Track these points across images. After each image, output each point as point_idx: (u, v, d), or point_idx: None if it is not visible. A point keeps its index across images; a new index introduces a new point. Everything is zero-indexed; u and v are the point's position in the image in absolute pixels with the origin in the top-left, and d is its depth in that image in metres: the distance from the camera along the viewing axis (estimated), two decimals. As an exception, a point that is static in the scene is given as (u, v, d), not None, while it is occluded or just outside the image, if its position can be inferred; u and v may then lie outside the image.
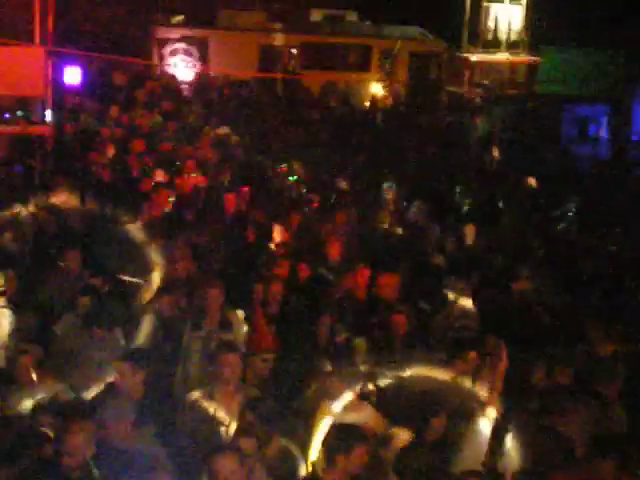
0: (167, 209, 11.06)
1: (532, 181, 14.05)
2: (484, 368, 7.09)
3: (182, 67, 23.73)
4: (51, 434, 5.80)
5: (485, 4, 27.72)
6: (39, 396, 6.52)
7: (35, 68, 13.62)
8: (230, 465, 5.33)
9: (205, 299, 7.85)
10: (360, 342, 7.69)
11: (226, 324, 7.88)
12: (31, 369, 6.77)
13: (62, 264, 8.93)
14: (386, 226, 11.24)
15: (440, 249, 10.45)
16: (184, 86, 22.02)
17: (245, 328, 7.99)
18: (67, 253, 8.87)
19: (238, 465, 5.37)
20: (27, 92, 13.86)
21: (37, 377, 6.78)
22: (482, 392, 6.86)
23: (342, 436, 5.64)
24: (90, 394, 6.87)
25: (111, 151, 13.97)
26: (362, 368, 7.36)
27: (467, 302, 8.60)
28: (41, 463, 5.61)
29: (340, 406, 6.53)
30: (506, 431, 6.29)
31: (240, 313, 8.10)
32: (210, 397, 6.59)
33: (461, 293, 8.62)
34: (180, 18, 25.64)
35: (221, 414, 6.52)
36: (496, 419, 6.63)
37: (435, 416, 6.34)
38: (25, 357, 6.82)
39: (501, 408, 6.74)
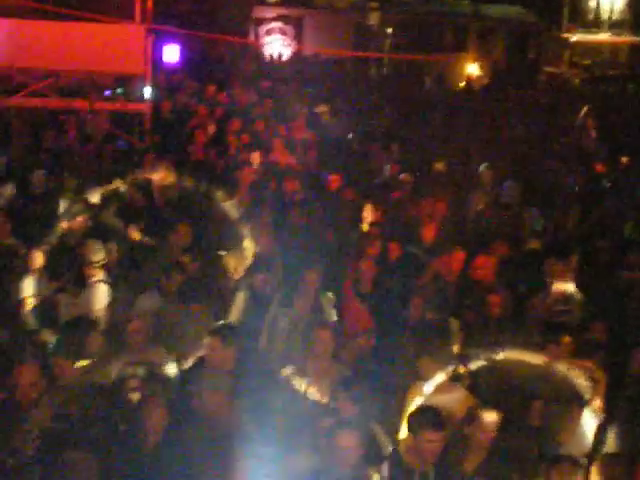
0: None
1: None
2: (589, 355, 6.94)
3: (278, 46, 23.82)
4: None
5: (587, -17, 27.08)
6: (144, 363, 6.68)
7: (135, 46, 13.79)
8: (352, 441, 5.43)
9: (303, 282, 7.90)
10: (452, 323, 7.65)
11: (318, 307, 7.91)
12: (142, 334, 6.94)
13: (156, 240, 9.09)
14: (481, 207, 11.09)
15: (537, 232, 10.27)
16: (280, 64, 22.08)
17: (334, 311, 8.01)
18: (179, 227, 8.94)
19: (358, 442, 5.45)
20: (126, 70, 14.04)
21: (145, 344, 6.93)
22: (581, 378, 6.70)
23: (417, 418, 5.65)
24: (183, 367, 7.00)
25: (212, 129, 14.14)
26: (454, 349, 7.31)
27: (568, 286, 8.40)
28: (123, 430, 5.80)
29: (431, 387, 6.47)
30: (611, 421, 6.16)
31: (330, 296, 8.12)
32: (303, 373, 6.63)
33: (561, 276, 8.43)
34: (276, -3, 25.76)
35: (314, 390, 6.56)
36: (601, 408, 6.49)
37: (528, 400, 6.25)
38: (136, 322, 6.99)
39: (605, 397, 6.62)
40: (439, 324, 7.63)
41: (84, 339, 6.62)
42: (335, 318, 7.88)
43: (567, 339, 6.93)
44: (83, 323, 6.98)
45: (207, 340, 6.65)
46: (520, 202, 11.10)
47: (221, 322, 7.49)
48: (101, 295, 7.97)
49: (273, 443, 5.92)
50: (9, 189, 10.31)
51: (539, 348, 6.89)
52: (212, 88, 16.55)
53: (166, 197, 10.63)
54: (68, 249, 8.57)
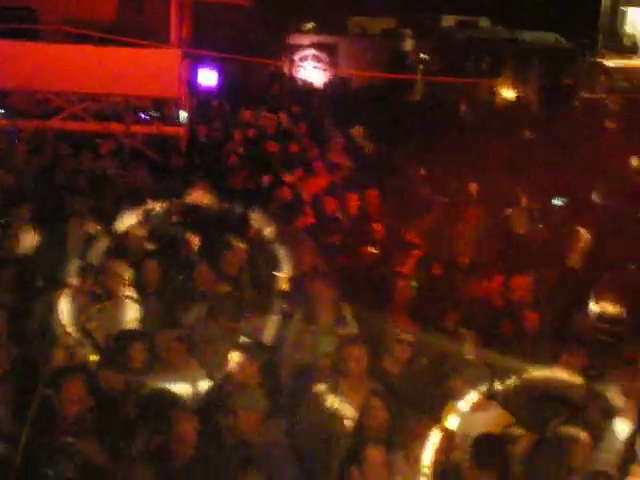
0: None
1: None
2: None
3: (312, 72, 23.97)
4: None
5: (622, 8, 26.92)
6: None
7: (170, 69, 13.96)
8: (380, 457, 5.40)
9: (318, 294, 7.89)
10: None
11: (341, 319, 7.88)
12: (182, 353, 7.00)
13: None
14: (521, 228, 11.01)
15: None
16: (314, 89, 22.23)
17: (356, 325, 7.96)
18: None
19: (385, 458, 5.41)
20: (162, 93, 14.21)
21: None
22: (616, 397, 6.59)
23: None
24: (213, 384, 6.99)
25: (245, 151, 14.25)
26: (489, 367, 7.22)
27: (611, 306, 8.31)
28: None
29: (466, 405, 6.39)
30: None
31: (350, 309, 8.09)
32: (334, 390, 6.57)
33: (603, 297, 8.35)
34: (311, 25, 25.94)
35: (345, 407, 6.50)
36: (631, 426, 6.38)
37: (560, 418, 6.18)
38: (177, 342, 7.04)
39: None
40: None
41: (129, 351, 6.65)
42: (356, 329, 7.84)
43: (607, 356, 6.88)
44: (127, 336, 7.02)
45: (232, 355, 6.68)
46: (563, 221, 11.05)
47: (249, 339, 7.50)
48: (131, 311, 8.00)
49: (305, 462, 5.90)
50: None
51: (576, 365, 6.82)
52: (247, 112, 16.67)
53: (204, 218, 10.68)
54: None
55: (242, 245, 9.25)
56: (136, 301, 8.14)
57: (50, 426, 5.80)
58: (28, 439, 5.67)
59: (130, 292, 8.18)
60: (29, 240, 9.36)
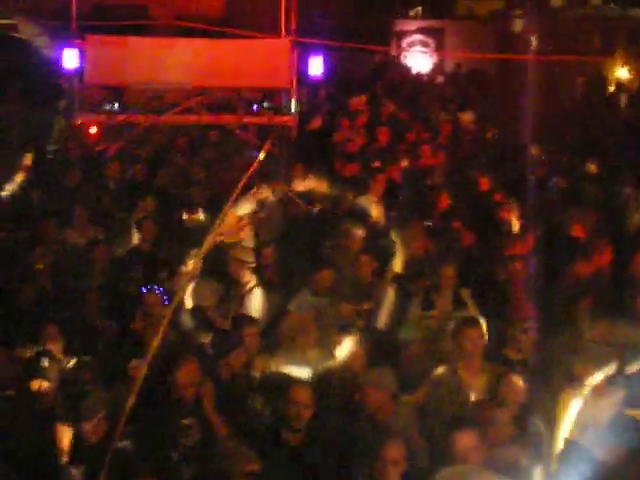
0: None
1: None
2: None
3: (419, 57, 23.81)
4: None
5: None
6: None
7: (281, 60, 14.07)
8: (469, 442, 5.33)
9: (440, 277, 7.86)
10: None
11: (460, 303, 7.84)
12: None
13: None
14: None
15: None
16: (422, 75, 22.09)
17: (475, 308, 7.89)
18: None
19: (478, 442, 5.34)
20: (273, 83, 14.32)
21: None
22: None
23: None
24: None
25: (357, 140, 14.29)
26: (611, 350, 7.06)
27: None
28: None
29: (588, 388, 6.28)
30: None
31: (468, 291, 8.03)
32: (454, 373, 6.56)
33: None
34: (417, 10, 25.75)
35: (466, 389, 6.48)
36: None
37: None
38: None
39: None
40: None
41: (243, 335, 6.78)
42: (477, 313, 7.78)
43: None
44: (241, 320, 7.16)
45: (336, 338, 6.79)
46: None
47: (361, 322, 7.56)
48: (256, 299, 8.14)
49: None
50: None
51: None
52: (356, 100, 16.69)
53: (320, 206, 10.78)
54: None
55: (359, 231, 9.33)
56: (258, 287, 8.30)
57: (170, 409, 5.94)
58: (150, 423, 5.85)
59: (252, 279, 8.35)
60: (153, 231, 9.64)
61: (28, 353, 6.81)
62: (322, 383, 6.63)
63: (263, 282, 8.40)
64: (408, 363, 7.14)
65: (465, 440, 5.35)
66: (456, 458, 5.30)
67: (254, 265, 8.43)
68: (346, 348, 6.86)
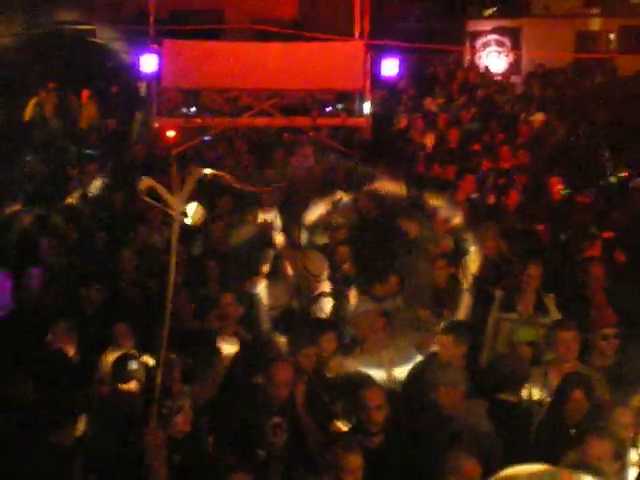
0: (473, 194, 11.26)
1: None
2: None
3: (494, 58, 23.57)
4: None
5: None
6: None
7: (354, 62, 14.06)
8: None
9: (522, 279, 7.77)
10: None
11: (542, 308, 7.73)
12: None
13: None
14: None
15: None
16: (497, 76, 21.89)
17: (558, 314, 7.78)
18: None
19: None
20: (347, 86, 14.33)
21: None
22: None
23: None
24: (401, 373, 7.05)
25: (430, 141, 14.23)
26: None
27: None
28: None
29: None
30: None
31: (552, 296, 7.91)
32: (546, 374, 6.52)
33: None
34: (492, 10, 25.48)
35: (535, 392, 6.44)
36: None
37: None
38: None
39: None
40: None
41: (320, 338, 6.82)
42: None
43: None
44: (320, 325, 7.25)
45: (440, 338, 6.71)
46: None
47: (454, 320, 7.53)
48: (327, 299, 8.18)
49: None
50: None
51: None
52: (430, 101, 16.63)
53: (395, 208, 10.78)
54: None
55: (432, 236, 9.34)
56: (330, 288, 8.34)
57: (259, 408, 5.99)
58: (240, 421, 5.92)
59: (324, 278, 8.39)
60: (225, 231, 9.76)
61: (111, 356, 6.94)
62: (397, 384, 6.66)
63: (335, 282, 8.44)
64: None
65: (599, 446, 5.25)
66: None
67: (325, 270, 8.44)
68: (424, 350, 6.87)
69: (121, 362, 6.61)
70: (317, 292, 8.31)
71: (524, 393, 6.48)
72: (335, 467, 5.13)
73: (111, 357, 6.87)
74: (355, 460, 5.15)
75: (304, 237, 10.43)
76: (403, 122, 15.57)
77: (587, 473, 3.94)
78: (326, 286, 8.40)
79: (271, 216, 10.60)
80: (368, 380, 6.47)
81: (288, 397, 6.00)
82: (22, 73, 16.70)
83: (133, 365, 6.52)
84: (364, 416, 5.66)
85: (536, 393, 6.49)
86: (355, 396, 5.81)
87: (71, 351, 7.20)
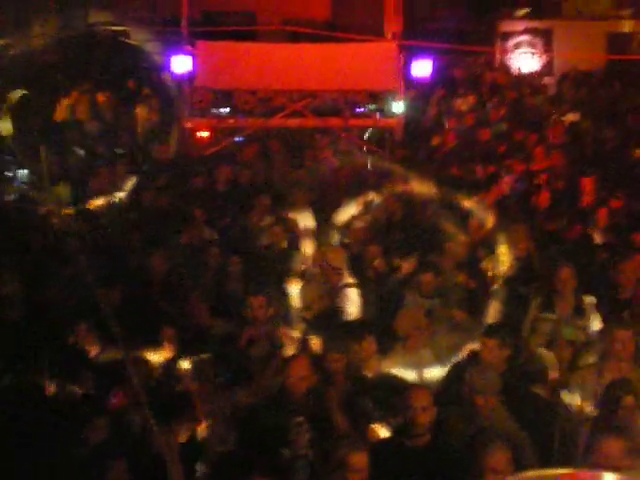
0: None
1: None
2: None
3: (525, 59, 23.47)
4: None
5: None
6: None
7: (387, 63, 14.10)
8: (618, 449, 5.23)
9: (557, 281, 7.76)
10: None
11: (580, 310, 7.71)
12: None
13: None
14: None
15: None
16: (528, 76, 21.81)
17: (598, 317, 7.75)
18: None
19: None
20: (379, 86, 14.37)
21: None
22: None
23: None
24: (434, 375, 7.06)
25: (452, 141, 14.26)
26: None
27: None
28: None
29: None
30: None
31: (591, 299, 7.88)
32: (599, 374, 6.47)
33: None
34: (524, 11, 25.37)
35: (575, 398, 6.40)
36: None
37: None
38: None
39: None
40: None
41: (360, 341, 6.84)
42: (597, 324, 7.64)
43: None
44: (358, 326, 7.28)
45: (485, 341, 6.69)
46: None
47: (496, 323, 7.51)
48: (353, 297, 8.21)
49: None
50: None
51: None
52: (460, 101, 16.61)
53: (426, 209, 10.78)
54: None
55: (463, 237, 9.34)
56: (357, 288, 8.37)
57: (281, 407, 6.04)
58: (262, 421, 5.96)
59: (350, 280, 8.42)
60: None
61: (157, 356, 7.00)
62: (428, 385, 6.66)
63: (363, 280, 8.47)
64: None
65: (614, 447, 5.23)
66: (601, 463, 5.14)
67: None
68: (459, 352, 6.89)
69: (172, 363, 6.68)
70: (341, 284, 8.32)
71: (565, 398, 6.42)
72: (342, 466, 5.12)
73: (156, 358, 6.94)
74: (361, 459, 5.14)
75: (335, 238, 10.44)
76: (418, 121, 15.51)
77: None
78: (348, 278, 8.44)
79: (303, 216, 10.64)
80: (411, 382, 6.47)
81: (306, 394, 5.99)
82: (55, 74, 16.84)
83: (185, 365, 6.58)
84: (409, 417, 5.60)
85: (576, 398, 6.41)
86: (400, 397, 5.79)
87: (94, 351, 7.29)
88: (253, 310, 7.52)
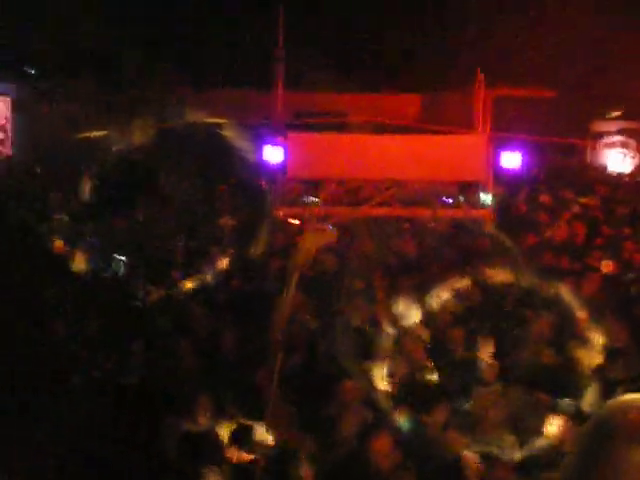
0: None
1: None
2: None
3: (619, 159, 23.33)
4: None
5: None
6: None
7: (476, 154, 14.14)
8: None
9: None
10: None
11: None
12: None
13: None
14: None
15: None
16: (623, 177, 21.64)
17: None
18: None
19: None
20: (468, 177, 14.41)
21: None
22: None
23: None
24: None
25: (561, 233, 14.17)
26: None
27: None
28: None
29: None
30: None
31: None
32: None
33: None
34: (618, 112, 25.32)
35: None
36: None
37: None
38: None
39: None
40: None
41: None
42: None
43: None
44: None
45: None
46: None
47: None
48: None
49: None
50: None
51: None
52: (545, 196, 16.54)
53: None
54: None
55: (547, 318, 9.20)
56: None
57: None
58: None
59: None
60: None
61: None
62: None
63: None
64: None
65: None
66: None
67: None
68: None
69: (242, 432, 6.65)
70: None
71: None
72: None
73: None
74: None
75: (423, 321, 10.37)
76: (508, 212, 15.44)
77: None
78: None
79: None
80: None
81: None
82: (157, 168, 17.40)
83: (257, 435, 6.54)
84: None
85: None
86: None
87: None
88: (345, 394, 7.64)
